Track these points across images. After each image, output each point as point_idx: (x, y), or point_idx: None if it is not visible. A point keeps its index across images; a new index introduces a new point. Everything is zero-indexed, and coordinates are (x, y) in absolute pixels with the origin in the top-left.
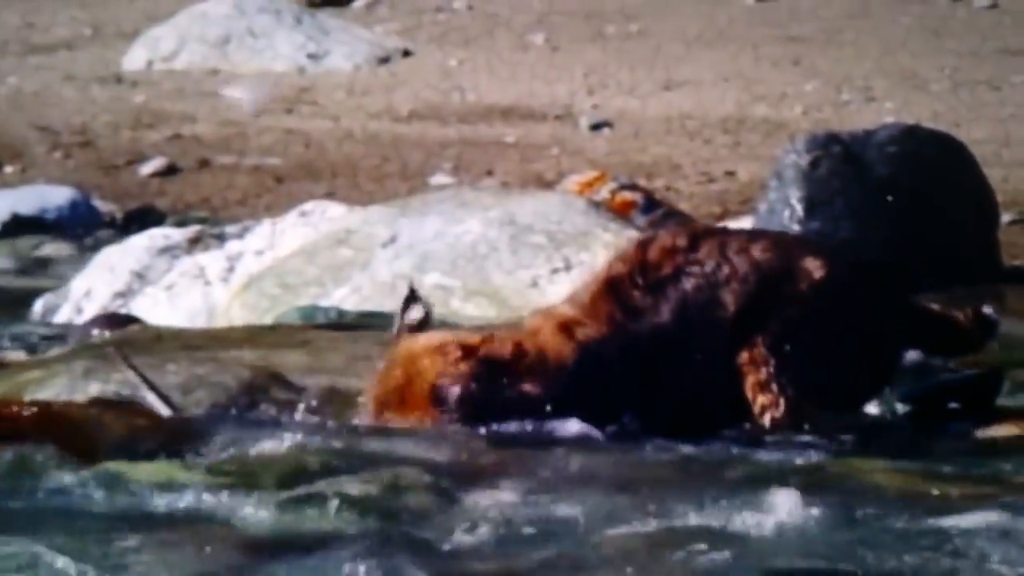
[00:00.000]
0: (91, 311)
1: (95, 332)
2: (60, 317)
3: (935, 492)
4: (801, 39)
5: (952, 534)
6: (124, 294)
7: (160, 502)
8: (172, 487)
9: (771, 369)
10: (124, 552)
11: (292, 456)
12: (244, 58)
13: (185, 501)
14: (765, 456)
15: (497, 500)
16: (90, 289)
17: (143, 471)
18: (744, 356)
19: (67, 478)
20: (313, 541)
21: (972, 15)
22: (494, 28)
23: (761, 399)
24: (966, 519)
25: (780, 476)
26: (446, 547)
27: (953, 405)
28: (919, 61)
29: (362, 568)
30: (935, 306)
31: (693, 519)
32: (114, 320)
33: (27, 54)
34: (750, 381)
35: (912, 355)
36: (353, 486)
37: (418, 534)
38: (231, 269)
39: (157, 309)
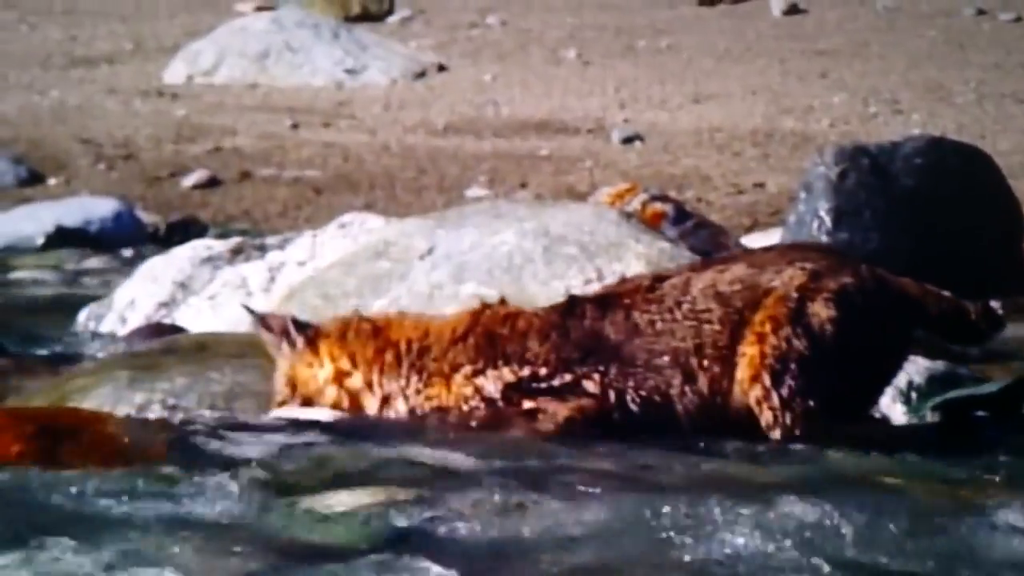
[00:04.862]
0: (135, 321)
1: (139, 342)
2: (104, 327)
3: (965, 501)
4: (828, 53)
5: (984, 540)
6: (167, 304)
7: (193, 508)
8: (205, 493)
9: (768, 386)
10: (152, 558)
11: (330, 459)
12: (283, 73)
13: (218, 506)
14: (789, 465)
15: (526, 501)
16: (134, 299)
17: (179, 477)
18: (744, 373)
19: (99, 485)
20: (342, 546)
21: (996, 28)
22: (527, 43)
23: (764, 416)
24: (999, 525)
25: (809, 485)
26: (469, 551)
27: (980, 414)
28: (945, 74)
29: (389, 571)
30: (946, 293)
31: (714, 527)
32: (158, 330)
33: (69, 68)
34: (751, 398)
35: (939, 364)
36: (382, 489)
37: (446, 536)
38: (272, 280)
39: (200, 319)
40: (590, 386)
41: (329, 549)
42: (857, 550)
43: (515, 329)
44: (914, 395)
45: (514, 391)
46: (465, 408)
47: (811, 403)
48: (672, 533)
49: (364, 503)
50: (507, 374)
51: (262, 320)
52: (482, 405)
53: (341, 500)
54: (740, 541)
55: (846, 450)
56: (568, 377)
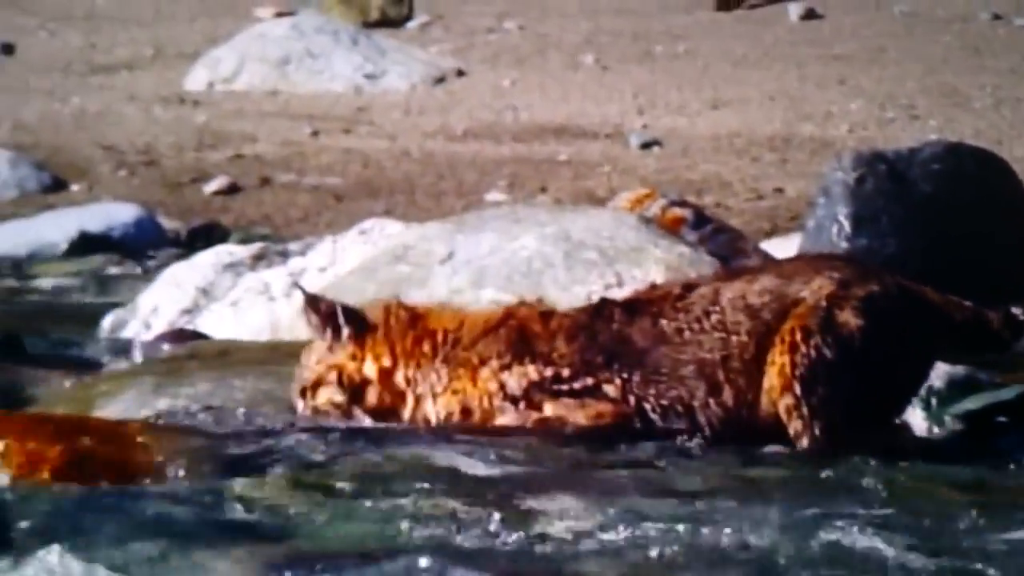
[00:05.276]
0: (158, 327)
1: (163, 347)
2: (128, 333)
3: (985, 506)
4: (845, 58)
5: (1004, 545)
6: (190, 310)
7: (225, 515)
8: (236, 500)
9: (799, 394)
10: (190, 566)
11: (357, 466)
12: (303, 79)
13: (248, 513)
14: (813, 473)
15: (575, 509)
16: (157, 305)
17: (209, 485)
18: (773, 381)
19: (134, 494)
20: (376, 551)
21: (1012, 33)
22: (545, 48)
23: (793, 424)
24: (1018, 529)
25: (833, 493)
26: (490, 554)
27: (1001, 420)
28: (961, 79)
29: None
30: (967, 302)
31: (734, 532)
32: (181, 336)
33: (90, 74)
34: (780, 407)
35: (959, 370)
36: (413, 495)
37: (477, 543)
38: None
39: (222, 325)
40: (611, 391)
41: (353, 552)
42: (877, 554)
43: (547, 327)
44: (934, 400)
45: (536, 390)
46: (488, 404)
47: (839, 412)
48: (690, 537)
49: (387, 506)
50: (532, 372)
51: (310, 301)
52: (505, 403)
53: (363, 503)
54: (762, 548)
55: (868, 456)
56: (590, 380)
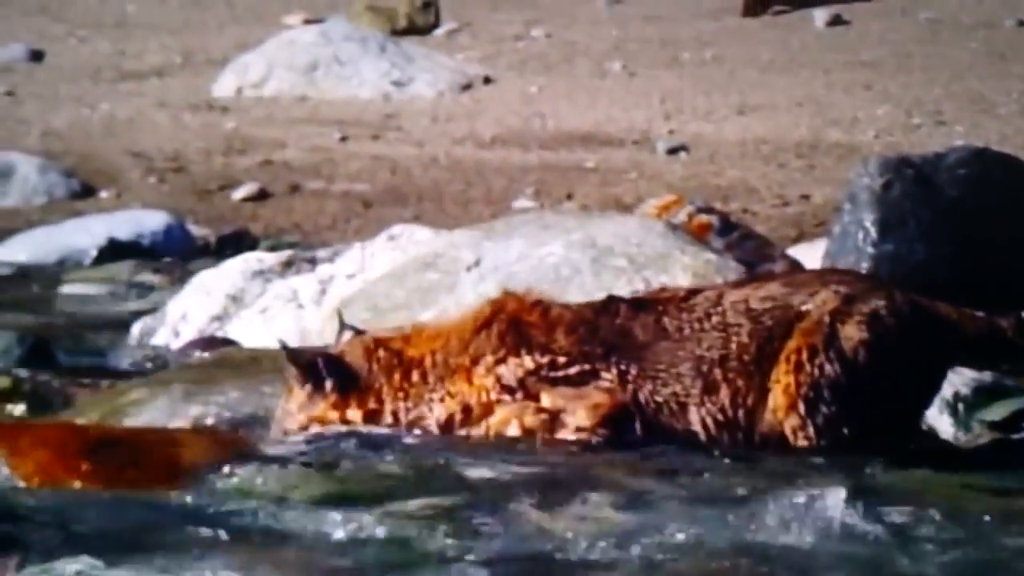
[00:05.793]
0: (188, 334)
1: (193, 354)
2: (157, 340)
3: (1012, 512)
4: (871, 64)
5: None
6: (220, 317)
7: (255, 519)
8: (266, 504)
9: (799, 398)
10: (217, 571)
11: (384, 472)
12: (331, 85)
13: (279, 517)
14: (831, 477)
15: (584, 513)
16: (186, 312)
17: (237, 490)
18: (778, 401)
19: (162, 499)
20: (402, 556)
21: None
22: (572, 56)
23: (799, 443)
24: None
25: (854, 499)
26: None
27: None
28: (987, 85)
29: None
30: (979, 313)
31: (745, 535)
32: (211, 343)
33: (119, 81)
34: (786, 427)
35: (985, 376)
36: (437, 501)
37: (510, 549)
38: (323, 292)
39: (252, 332)
40: (607, 377)
41: (376, 558)
42: (900, 559)
43: (546, 319)
44: (960, 407)
45: (533, 379)
46: (485, 398)
47: (845, 430)
48: (694, 539)
49: (407, 513)
50: (528, 362)
51: (290, 354)
52: (503, 395)
53: (387, 511)
54: (774, 551)
55: (894, 462)
56: (587, 367)
